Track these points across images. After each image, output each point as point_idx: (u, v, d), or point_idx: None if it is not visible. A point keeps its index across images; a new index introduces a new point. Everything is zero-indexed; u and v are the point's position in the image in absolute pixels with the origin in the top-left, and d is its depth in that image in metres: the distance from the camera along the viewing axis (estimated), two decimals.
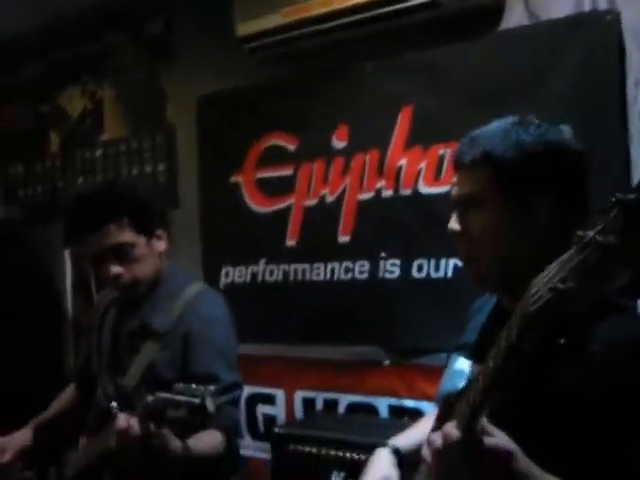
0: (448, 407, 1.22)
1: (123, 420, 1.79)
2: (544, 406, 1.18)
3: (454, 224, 1.36)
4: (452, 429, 1.11)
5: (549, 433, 1.16)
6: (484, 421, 1.10)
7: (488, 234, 1.31)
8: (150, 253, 2.20)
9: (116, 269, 2.15)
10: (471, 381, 1.15)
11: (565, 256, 0.97)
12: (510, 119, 1.34)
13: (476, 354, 1.34)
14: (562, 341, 1.02)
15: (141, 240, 2.17)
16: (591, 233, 0.94)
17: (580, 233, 0.95)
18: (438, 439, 1.13)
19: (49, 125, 4.27)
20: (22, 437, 2.42)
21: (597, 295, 0.95)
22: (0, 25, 3.80)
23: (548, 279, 0.98)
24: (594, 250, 0.94)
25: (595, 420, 1.13)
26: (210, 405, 1.68)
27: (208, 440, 2.01)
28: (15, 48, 4.16)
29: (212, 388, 1.71)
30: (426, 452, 1.20)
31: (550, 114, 2.23)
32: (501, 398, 1.09)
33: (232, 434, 2.13)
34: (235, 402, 2.15)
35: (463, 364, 1.41)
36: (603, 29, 2.48)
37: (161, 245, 2.24)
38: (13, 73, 4.30)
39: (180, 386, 1.74)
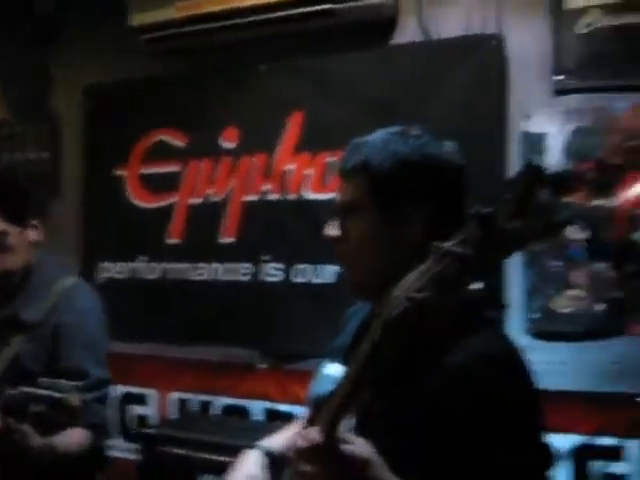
0: (316, 411, 1.22)
1: None
2: (404, 414, 1.20)
3: (332, 230, 1.37)
4: (313, 433, 1.11)
5: (408, 441, 1.18)
6: (345, 427, 1.11)
7: (363, 242, 1.33)
8: (23, 243, 2.12)
9: None
10: (337, 385, 1.15)
11: (423, 266, 1.00)
12: (393, 129, 1.36)
13: (347, 359, 1.35)
14: (420, 352, 1.05)
15: (14, 229, 2.09)
16: (448, 244, 0.97)
17: (437, 244, 0.98)
18: (300, 442, 1.14)
19: None
20: None
21: (455, 305, 0.98)
22: None
23: (407, 288, 1.00)
24: (451, 261, 0.96)
25: (451, 431, 1.15)
26: (74, 400, 1.63)
27: (73, 437, 1.95)
28: None
29: (77, 384, 1.66)
30: (290, 455, 1.20)
31: (436, 128, 2.32)
32: (363, 403, 1.11)
33: (99, 432, 2.07)
34: (103, 399, 2.09)
35: (334, 369, 1.42)
36: (489, 52, 2.58)
37: (35, 235, 2.16)
38: None
39: (45, 381, 1.68)
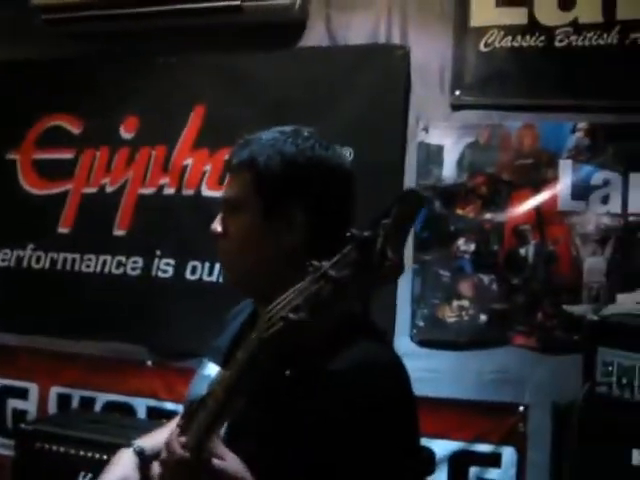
0: (190, 413, 1.20)
1: None
2: (279, 425, 1.19)
3: (216, 225, 1.35)
4: (180, 444, 1.10)
5: (281, 452, 1.17)
6: (216, 441, 1.09)
7: (243, 240, 1.31)
8: None
9: None
10: (210, 391, 1.13)
11: (300, 285, 0.99)
12: (284, 128, 1.34)
13: (224, 362, 1.33)
14: (288, 373, 1.05)
15: None
16: (326, 265, 0.97)
17: (315, 264, 0.98)
18: (166, 452, 1.12)
19: None
20: None
21: (330, 325, 0.98)
22: None
23: (281, 307, 0.99)
24: (327, 283, 0.96)
25: (326, 440, 1.14)
26: None
27: None
28: None
29: None
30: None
31: (337, 133, 2.34)
32: (235, 412, 1.09)
33: None
34: None
35: (212, 370, 1.40)
36: (393, 62, 2.62)
37: None
38: None
39: None
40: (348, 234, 0.96)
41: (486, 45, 2.55)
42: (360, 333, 1.23)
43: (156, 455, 1.60)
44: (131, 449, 1.66)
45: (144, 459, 1.65)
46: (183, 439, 1.12)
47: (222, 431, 1.17)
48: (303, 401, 1.17)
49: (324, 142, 1.33)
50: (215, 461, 1.08)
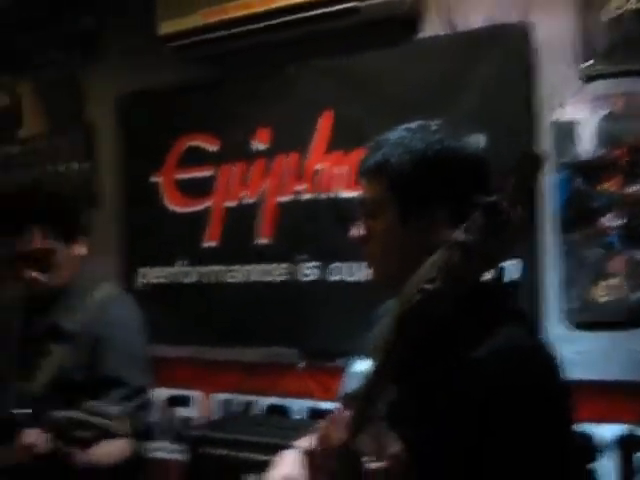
0: (345, 408, 1.23)
1: (28, 436, 1.78)
2: (430, 409, 1.20)
3: (357, 229, 1.38)
4: (338, 430, 1.12)
5: (434, 436, 1.18)
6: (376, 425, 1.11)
7: (385, 242, 1.32)
8: (69, 259, 2.17)
9: (34, 274, 2.14)
10: (363, 382, 1.16)
11: (433, 257, 1.01)
12: (412, 125, 1.34)
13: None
14: (442, 346, 1.05)
15: (61, 247, 2.13)
16: (455, 234, 0.98)
17: (445, 234, 1.00)
18: (324, 439, 1.15)
19: None
20: None
21: (467, 294, 0.99)
22: None
23: (418, 280, 1.01)
24: (457, 250, 0.98)
25: (479, 425, 1.15)
26: (121, 429, 1.67)
27: (115, 447, 1.98)
28: None
29: (122, 409, 1.69)
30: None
31: (465, 121, 2.32)
32: (388, 399, 1.11)
33: (141, 439, 2.10)
34: (144, 406, 2.13)
35: (364, 366, 1.43)
36: (516, 41, 2.55)
37: (81, 250, 2.20)
38: None
39: (92, 405, 1.71)
40: (474, 200, 0.98)
41: (613, 10, 2.45)
42: (502, 315, 1.23)
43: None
44: (293, 450, 1.72)
45: (307, 458, 1.71)
46: (341, 426, 1.14)
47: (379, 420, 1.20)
48: (451, 385, 1.18)
49: (453, 133, 1.32)
50: (376, 443, 1.10)
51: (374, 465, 1.07)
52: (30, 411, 2.08)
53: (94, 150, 3.62)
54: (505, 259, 1.05)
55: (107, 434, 1.69)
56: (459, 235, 0.99)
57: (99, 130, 3.61)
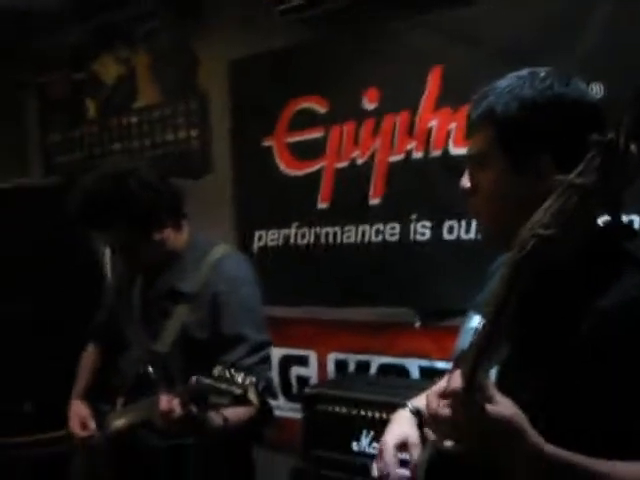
0: (457, 365, 1.21)
1: (165, 402, 1.83)
2: (551, 362, 1.17)
3: (465, 181, 1.35)
4: (453, 385, 1.10)
5: (556, 391, 1.15)
6: (487, 385, 1.09)
7: (493, 194, 1.28)
8: (160, 243, 2.21)
9: (124, 260, 2.25)
10: (476, 336, 1.13)
11: (547, 203, 0.97)
12: (520, 73, 1.29)
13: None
14: (561, 295, 1.01)
15: (145, 236, 2.18)
16: (571, 176, 0.94)
17: (560, 178, 0.95)
18: (431, 403, 1.14)
19: (85, 93, 4.31)
20: (83, 408, 2.46)
21: (584, 238, 0.95)
22: None
23: (531, 227, 0.97)
24: (573, 193, 0.93)
25: (606, 379, 1.10)
26: (252, 397, 1.71)
27: (245, 410, 2.00)
28: (52, 16, 4.20)
29: (254, 379, 1.72)
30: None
31: (580, 69, 2.22)
32: (498, 350, 1.09)
33: (265, 392, 2.10)
34: (266, 360, 2.17)
35: (477, 321, 1.41)
36: None
37: (165, 233, 2.22)
38: (50, 41, 4.34)
39: (221, 372, 1.75)
40: (588, 141, 0.93)
41: None
42: (624, 262, 1.17)
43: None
44: (407, 409, 1.73)
45: (420, 418, 1.71)
46: (454, 382, 1.12)
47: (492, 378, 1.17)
48: (573, 339, 1.14)
49: (564, 78, 1.26)
50: (489, 407, 1.06)
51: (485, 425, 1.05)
52: (158, 371, 2.20)
53: (208, 116, 3.69)
54: (623, 201, 0.98)
55: (238, 401, 1.73)
56: (574, 177, 0.94)
57: (212, 97, 3.68)
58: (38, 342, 3.56)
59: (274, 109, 3.34)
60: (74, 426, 2.40)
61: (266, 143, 3.38)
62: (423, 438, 1.61)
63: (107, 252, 4.06)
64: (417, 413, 1.67)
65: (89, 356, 2.60)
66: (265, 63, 3.39)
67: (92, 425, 2.37)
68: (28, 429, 3.66)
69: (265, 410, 2.16)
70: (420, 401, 1.69)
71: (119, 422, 2.27)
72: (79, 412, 2.43)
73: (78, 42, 4.22)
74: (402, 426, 1.67)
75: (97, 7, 4.00)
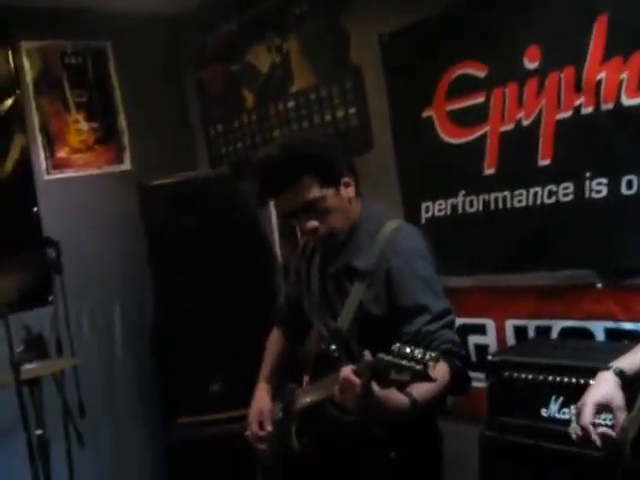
0: None
1: (346, 379, 1.86)
2: None
3: None
4: None
5: None
6: None
7: None
8: (340, 202, 2.24)
9: (311, 224, 2.22)
10: None
11: None
12: None
13: None
14: None
15: (328, 192, 2.20)
16: None
17: None
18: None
19: (241, 83, 4.45)
20: (266, 402, 2.55)
21: None
22: None
23: None
24: None
25: None
26: (433, 373, 1.70)
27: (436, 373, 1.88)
28: (207, 12, 4.39)
29: (434, 354, 1.72)
30: None
31: None
32: None
33: (455, 356, 2.08)
34: (451, 325, 2.14)
35: None
36: None
37: (350, 192, 2.27)
38: (208, 38, 4.53)
39: (401, 348, 1.75)
40: None
41: None
42: None
43: (636, 376, 1.60)
44: (610, 371, 1.68)
45: (625, 379, 1.67)
46: None
47: None
48: None
49: None
50: None
51: None
52: (340, 348, 2.24)
53: (364, 93, 3.71)
54: None
55: (419, 377, 1.73)
56: None
57: (366, 72, 3.69)
58: (225, 325, 3.76)
59: (431, 79, 3.31)
60: (253, 422, 2.50)
61: (426, 114, 3.36)
62: (628, 400, 1.57)
63: (277, 238, 4.23)
64: (621, 374, 1.63)
65: (274, 339, 2.70)
66: (417, 33, 3.35)
67: (268, 426, 2.46)
68: (216, 408, 3.89)
69: (463, 379, 2.14)
70: (623, 363, 1.65)
71: (305, 399, 2.33)
72: (261, 406, 2.53)
73: (232, 35, 4.37)
74: (605, 388, 1.64)
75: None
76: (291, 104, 4.13)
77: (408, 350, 1.73)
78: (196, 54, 4.68)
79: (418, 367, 1.69)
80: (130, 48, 4.48)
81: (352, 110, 3.79)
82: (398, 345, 1.75)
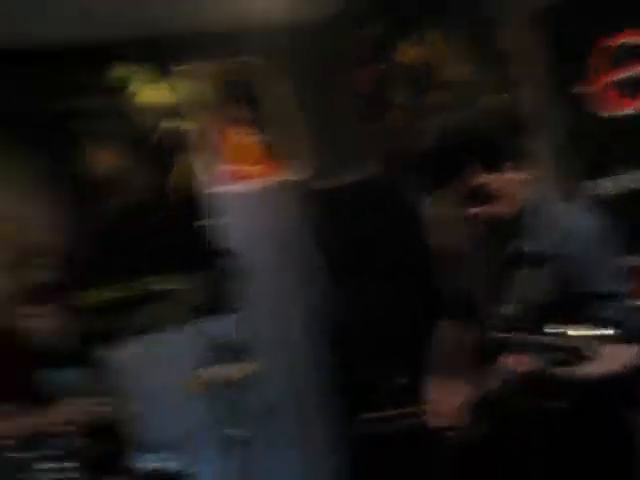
0: None
1: (514, 363, 1.89)
2: None
3: None
4: None
5: None
6: None
7: None
8: (506, 186, 2.23)
9: (475, 210, 2.23)
10: None
11: None
12: None
13: None
14: None
15: (495, 177, 2.19)
16: None
17: None
18: None
19: (389, 82, 4.48)
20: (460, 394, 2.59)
21: None
22: None
23: None
24: None
25: None
26: (592, 353, 1.68)
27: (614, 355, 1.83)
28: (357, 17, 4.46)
29: (595, 334, 1.70)
30: None
31: None
32: None
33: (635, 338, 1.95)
34: (627, 310, 2.04)
35: None
36: None
37: (515, 175, 2.24)
38: (358, 39, 4.59)
39: (559, 328, 1.74)
40: None
41: None
42: None
43: None
44: None
45: None
46: None
47: None
48: None
49: None
50: None
51: None
52: (510, 334, 2.23)
53: (514, 76, 3.65)
54: None
55: (577, 357, 1.71)
56: None
57: (516, 52, 3.61)
58: (400, 321, 3.81)
59: (588, 52, 3.22)
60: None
61: (585, 88, 3.27)
62: None
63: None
64: None
65: (446, 332, 2.72)
66: (575, 7, 3.25)
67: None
68: (399, 402, 3.94)
69: None
70: None
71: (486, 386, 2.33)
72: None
73: (378, 36, 4.41)
74: None
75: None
76: (442, 96, 4.11)
77: (568, 331, 1.75)
78: (344, 57, 4.75)
79: (574, 346, 1.72)
80: (281, 59, 4.62)
81: (505, 95, 3.73)
82: (555, 325, 1.79)
